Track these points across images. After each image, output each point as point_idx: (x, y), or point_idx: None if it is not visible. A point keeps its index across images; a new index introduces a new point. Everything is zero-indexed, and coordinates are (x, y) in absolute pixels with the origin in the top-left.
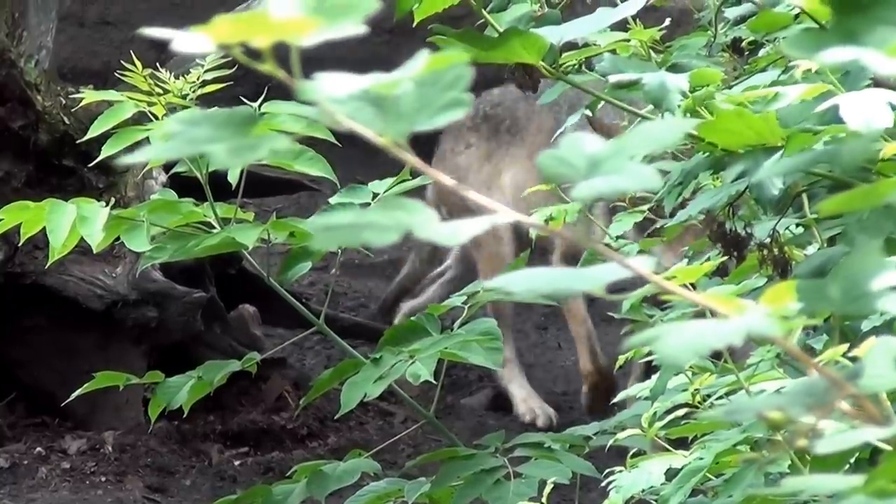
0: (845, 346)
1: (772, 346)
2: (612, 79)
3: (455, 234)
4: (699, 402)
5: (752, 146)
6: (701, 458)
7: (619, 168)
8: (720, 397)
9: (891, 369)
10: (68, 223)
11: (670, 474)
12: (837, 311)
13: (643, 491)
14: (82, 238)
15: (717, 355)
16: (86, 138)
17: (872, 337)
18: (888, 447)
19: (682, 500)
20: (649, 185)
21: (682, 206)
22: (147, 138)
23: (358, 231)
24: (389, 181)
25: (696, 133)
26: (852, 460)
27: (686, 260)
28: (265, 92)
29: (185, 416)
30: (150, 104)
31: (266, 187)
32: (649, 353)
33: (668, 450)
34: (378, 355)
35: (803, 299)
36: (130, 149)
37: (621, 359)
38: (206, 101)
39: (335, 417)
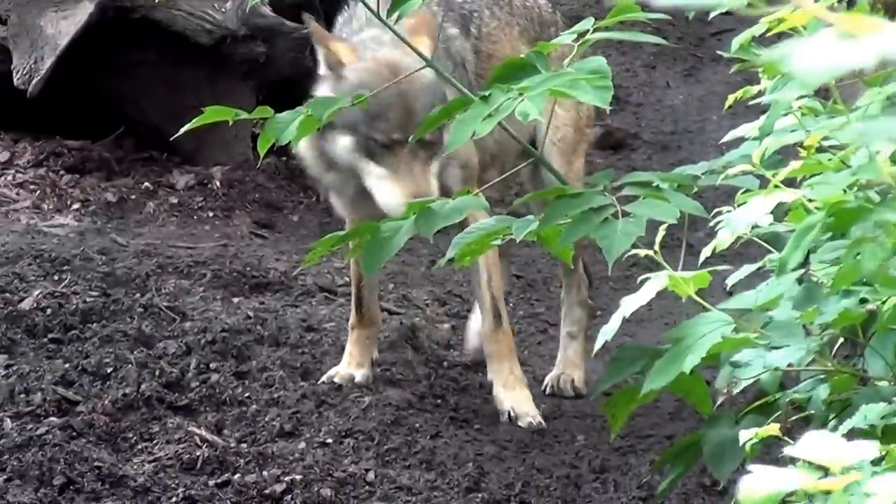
0: None
1: (882, 89)
2: None
3: None
4: (808, 149)
5: None
6: (812, 201)
7: None
8: (827, 138)
9: None
10: None
11: (779, 214)
12: None
13: (752, 230)
14: None
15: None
16: None
17: None
18: None
19: (801, 259)
20: None
21: None
22: None
23: None
24: None
25: None
26: None
27: None
28: None
29: (293, 151)
30: None
31: None
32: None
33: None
34: (487, 93)
35: None
36: None
37: (730, 98)
38: None
39: (444, 154)
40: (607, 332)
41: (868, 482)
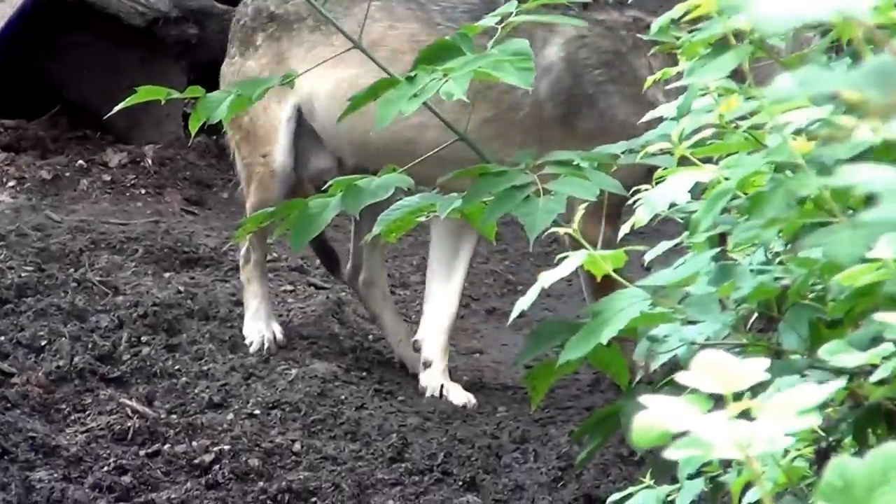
0: None
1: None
2: None
3: None
4: (725, 125)
5: None
6: (728, 178)
7: None
8: (743, 118)
9: None
10: None
11: (697, 191)
12: None
13: (670, 208)
14: None
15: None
16: None
17: None
18: None
19: (712, 223)
20: None
21: None
22: None
23: None
24: None
25: None
26: None
27: None
28: None
29: (223, 130)
30: None
31: None
32: None
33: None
34: (412, 73)
35: None
36: None
37: (649, 80)
38: None
39: (370, 133)
40: (524, 302)
41: (768, 399)
